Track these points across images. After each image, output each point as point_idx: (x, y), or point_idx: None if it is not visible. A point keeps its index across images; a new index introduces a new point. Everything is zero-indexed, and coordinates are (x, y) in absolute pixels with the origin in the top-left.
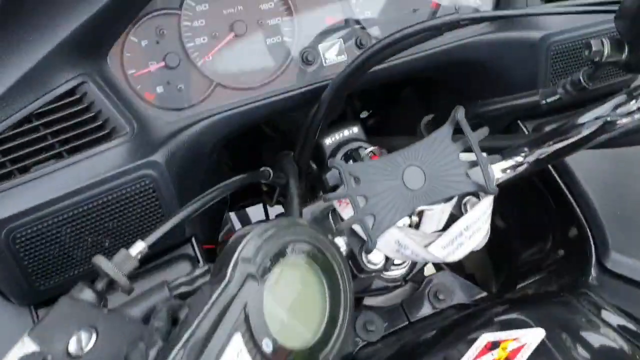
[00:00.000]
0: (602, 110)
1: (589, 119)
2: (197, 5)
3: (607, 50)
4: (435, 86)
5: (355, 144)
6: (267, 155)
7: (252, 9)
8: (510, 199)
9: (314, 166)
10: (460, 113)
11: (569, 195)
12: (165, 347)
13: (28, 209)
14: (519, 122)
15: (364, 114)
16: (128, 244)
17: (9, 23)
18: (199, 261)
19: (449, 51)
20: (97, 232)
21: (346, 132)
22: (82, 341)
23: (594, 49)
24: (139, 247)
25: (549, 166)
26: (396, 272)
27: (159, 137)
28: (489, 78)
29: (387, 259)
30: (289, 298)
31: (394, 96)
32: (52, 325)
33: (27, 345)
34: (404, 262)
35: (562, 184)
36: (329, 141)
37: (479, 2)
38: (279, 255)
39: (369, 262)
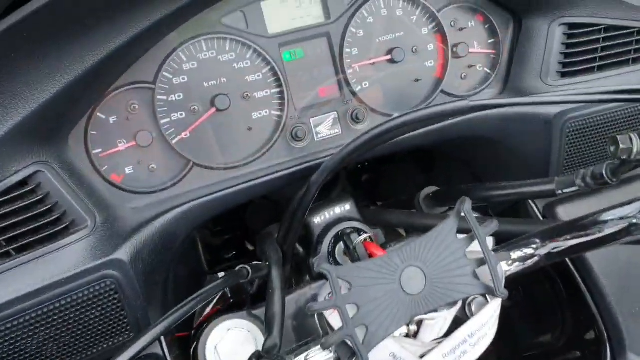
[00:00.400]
0: (629, 210)
1: (613, 218)
2: (174, 77)
3: (636, 147)
4: (436, 153)
5: (347, 226)
6: (252, 218)
7: (237, 81)
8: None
9: (300, 249)
10: (466, 205)
11: (584, 286)
12: None
13: None
14: (529, 200)
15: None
16: (84, 347)
17: None
18: None
19: (453, 127)
20: (49, 339)
21: (337, 210)
22: None
23: (621, 146)
24: None
25: None
26: None
27: (124, 230)
28: (497, 152)
29: None
30: None
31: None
32: None
33: None
34: None
35: (575, 273)
36: (318, 220)
37: (488, 70)
38: None
39: None
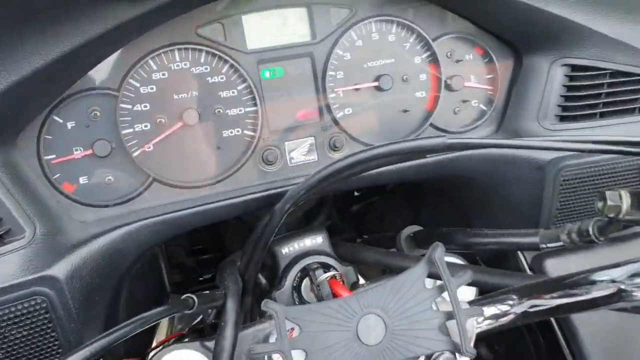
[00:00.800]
0: (618, 273)
1: (602, 280)
2: (142, 86)
3: (625, 206)
4: (425, 189)
5: (315, 260)
6: (233, 239)
7: (210, 95)
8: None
9: (262, 280)
10: (438, 252)
11: (567, 350)
12: None
13: None
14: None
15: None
16: None
17: None
18: None
19: (436, 164)
20: None
21: (308, 242)
22: None
23: (609, 203)
24: None
25: None
26: None
27: (65, 244)
28: (485, 195)
29: None
30: None
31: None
32: None
33: None
34: None
35: (559, 333)
36: (285, 250)
37: (483, 107)
38: None
39: None
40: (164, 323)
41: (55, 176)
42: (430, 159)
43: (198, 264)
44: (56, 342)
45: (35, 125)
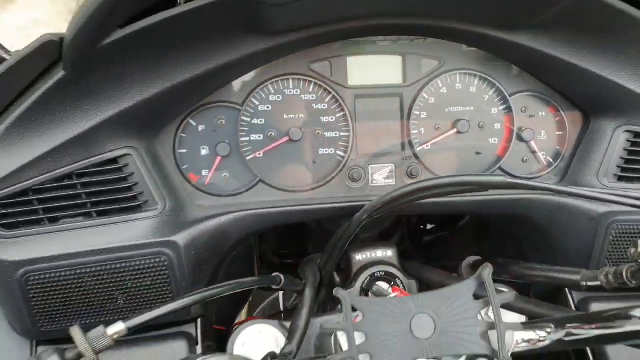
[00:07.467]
0: None
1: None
2: (260, 104)
3: None
4: (492, 227)
5: (383, 269)
6: (312, 243)
7: (313, 119)
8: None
9: (337, 279)
10: (487, 272)
11: None
12: None
13: (47, 257)
14: (566, 289)
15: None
16: (135, 308)
17: (70, 90)
18: (197, 343)
19: (500, 202)
20: (104, 292)
21: (379, 253)
22: None
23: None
24: (117, 328)
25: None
26: None
27: (186, 220)
28: (543, 236)
29: None
30: None
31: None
32: None
33: None
34: None
35: None
36: (359, 257)
37: (550, 159)
38: None
39: None
40: (245, 311)
41: (184, 167)
42: (493, 196)
43: (281, 265)
44: (170, 295)
45: (174, 125)
